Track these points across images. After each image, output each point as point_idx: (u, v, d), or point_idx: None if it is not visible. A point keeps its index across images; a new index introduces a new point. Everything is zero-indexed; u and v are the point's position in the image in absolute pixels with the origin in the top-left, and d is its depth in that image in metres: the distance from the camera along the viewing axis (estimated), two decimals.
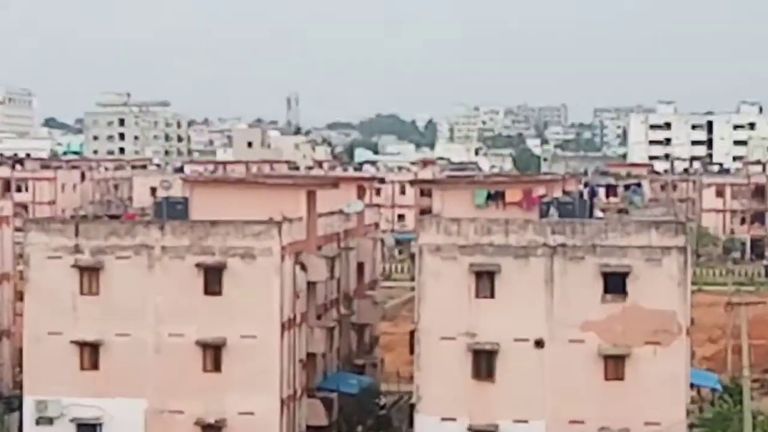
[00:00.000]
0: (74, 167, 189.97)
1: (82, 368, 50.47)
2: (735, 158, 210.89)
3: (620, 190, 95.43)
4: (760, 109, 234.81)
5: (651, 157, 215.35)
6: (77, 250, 50.82)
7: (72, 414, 49.95)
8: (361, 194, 79.83)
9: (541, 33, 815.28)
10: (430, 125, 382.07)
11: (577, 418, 48.40)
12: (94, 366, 50.69)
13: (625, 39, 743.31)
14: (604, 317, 48.99)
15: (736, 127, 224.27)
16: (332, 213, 64.60)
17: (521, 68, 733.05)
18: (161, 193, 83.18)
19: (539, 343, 48.50)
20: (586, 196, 68.39)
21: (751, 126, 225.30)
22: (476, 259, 49.47)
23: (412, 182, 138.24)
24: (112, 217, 74.14)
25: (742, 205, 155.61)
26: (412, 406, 52.62)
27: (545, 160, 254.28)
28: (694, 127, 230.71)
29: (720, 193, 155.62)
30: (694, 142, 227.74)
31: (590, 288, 48.74)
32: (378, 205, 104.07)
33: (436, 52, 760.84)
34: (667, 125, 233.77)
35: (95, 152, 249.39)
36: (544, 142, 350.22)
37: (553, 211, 55.11)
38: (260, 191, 61.06)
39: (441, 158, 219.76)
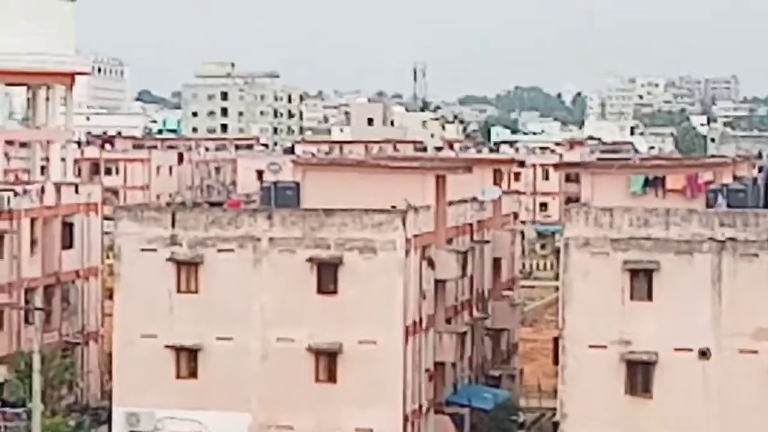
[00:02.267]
0: (171, 147, 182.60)
1: (179, 377, 48.58)
2: None
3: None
4: None
5: None
6: (174, 241, 48.69)
7: (167, 429, 47.82)
8: (498, 179, 75.59)
9: None
10: (579, 100, 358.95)
11: None
12: (192, 374, 48.91)
13: None
14: None
15: None
16: (464, 201, 61.22)
17: (685, 34, 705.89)
18: (269, 177, 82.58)
19: (705, 354, 43.63)
20: (760, 183, 61.23)
21: None
22: (631, 256, 44.74)
23: (556, 166, 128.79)
24: (214, 204, 69.39)
25: None
26: (555, 425, 48.43)
27: (713, 140, 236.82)
28: None
29: None
30: None
31: (766, 290, 43.74)
32: (518, 192, 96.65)
33: (586, 15, 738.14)
34: None
35: (194, 130, 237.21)
36: (712, 119, 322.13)
37: (721, 200, 50.47)
38: (382, 176, 59.58)
39: (591, 138, 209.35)
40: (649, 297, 44.87)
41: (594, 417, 46.09)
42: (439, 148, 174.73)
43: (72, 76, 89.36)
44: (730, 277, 44.25)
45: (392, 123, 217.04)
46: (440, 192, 56.18)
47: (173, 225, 49.67)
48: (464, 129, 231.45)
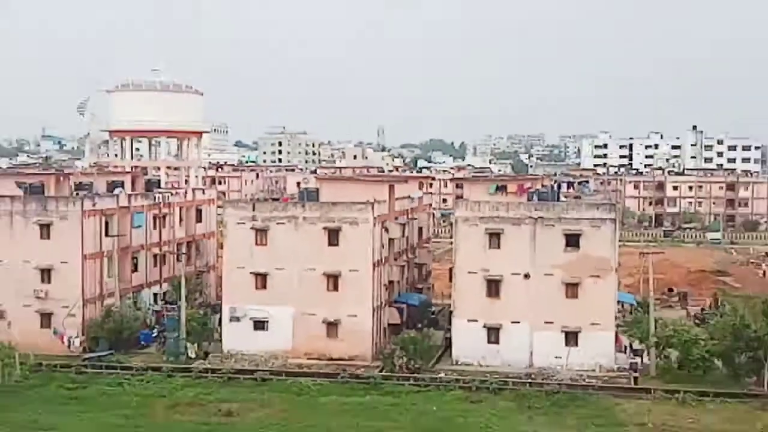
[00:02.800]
0: (252, 170, 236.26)
1: (256, 288, 67.32)
2: (645, 166, 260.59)
3: (576, 185, 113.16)
4: (661, 136, 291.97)
5: (595, 165, 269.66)
6: (254, 219, 67.43)
7: (250, 315, 66.73)
8: (420, 187, 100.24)
9: (531, 83, 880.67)
10: (462, 145, 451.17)
11: (548, 321, 63.76)
12: (264, 287, 67.64)
13: (577, 91, 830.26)
14: (566, 261, 63.71)
15: (646, 146, 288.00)
16: (404, 197, 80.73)
17: (519, 110, 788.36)
18: (303, 186, 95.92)
19: (527, 276, 64.10)
20: (555, 189, 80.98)
21: (655, 146, 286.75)
22: (489, 226, 64.80)
23: (451, 179, 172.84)
24: (275, 199, 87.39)
25: (649, 194, 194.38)
26: (450, 313, 67.00)
27: (531, 167, 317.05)
28: (621, 146, 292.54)
29: (636, 187, 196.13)
30: (621, 156, 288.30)
31: (558, 244, 63.87)
32: (431, 193, 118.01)
33: (453, 97, 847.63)
34: (605, 146, 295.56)
35: (264, 161, 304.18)
36: (530, 156, 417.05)
37: (535, 197, 69.78)
38: (362, 185, 78.10)
39: (469, 165, 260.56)
40: (498, 247, 64.87)
41: (470, 309, 65.17)
42: (390, 171, 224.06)
43: (201, 133, 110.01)
44: (539, 237, 64.29)
45: (366, 157, 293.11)
46: (391, 193, 74.29)
47: (253, 209, 68.83)
48: (404, 161, 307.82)
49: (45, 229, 68.74)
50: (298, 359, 64.78)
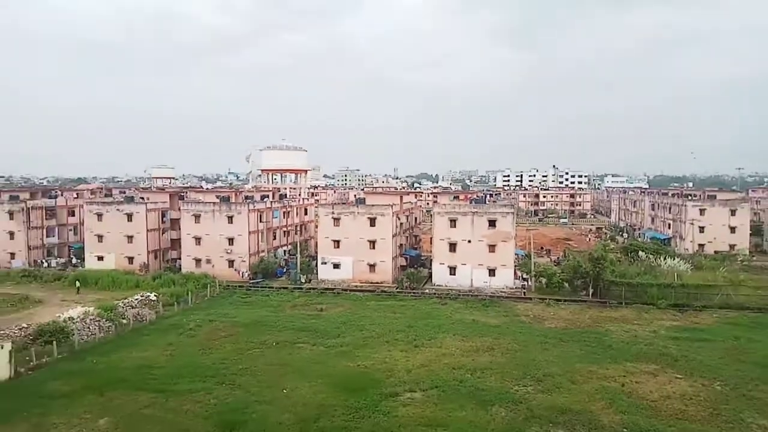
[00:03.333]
0: (332, 189, 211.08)
1: (334, 248, 67.38)
2: (529, 185, 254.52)
3: (494, 195, 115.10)
4: (537, 170, 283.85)
5: (503, 185, 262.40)
6: (333, 213, 68.24)
7: (332, 261, 67.11)
8: (415, 197, 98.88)
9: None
10: (437, 176, 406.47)
11: (480, 263, 63.57)
12: (338, 247, 67.43)
13: (499, 143, 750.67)
14: (489, 234, 63.70)
15: (530, 176, 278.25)
16: (408, 202, 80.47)
17: (465, 155, 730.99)
18: (357, 197, 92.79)
19: (469, 241, 64.28)
20: (483, 197, 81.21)
21: (534, 175, 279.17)
22: (450, 216, 65.22)
23: (431, 193, 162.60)
24: (343, 203, 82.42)
25: (530, 200, 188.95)
26: (431, 260, 66.95)
27: (470, 187, 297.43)
28: (517, 176, 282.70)
29: (524, 196, 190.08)
30: (517, 181, 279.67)
31: (485, 225, 63.98)
32: (421, 200, 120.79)
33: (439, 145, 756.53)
34: (508, 176, 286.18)
35: (338, 184, 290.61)
36: (471, 180, 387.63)
37: (474, 202, 71.47)
38: (386, 196, 78.95)
39: (440, 186, 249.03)
40: (455, 227, 64.67)
41: (441, 257, 64.91)
42: (401, 189, 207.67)
43: (306, 171, 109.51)
44: (475, 221, 64.18)
45: (388, 182, 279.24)
46: (401, 200, 73.86)
47: (333, 208, 68.78)
48: (407, 184, 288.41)
49: (230, 219, 70.17)
50: (355, 284, 64.67)
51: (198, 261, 69.36)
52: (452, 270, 64.27)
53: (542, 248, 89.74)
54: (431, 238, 67.65)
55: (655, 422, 25.29)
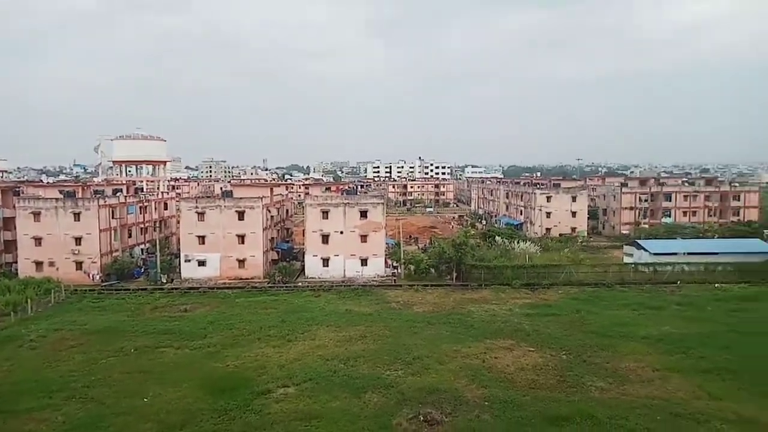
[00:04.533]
0: (195, 182, 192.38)
1: (199, 244, 63.99)
2: (398, 176, 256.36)
3: (365, 186, 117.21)
4: (404, 162, 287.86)
5: (374, 176, 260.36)
6: (197, 207, 63.33)
7: (196, 258, 63.89)
8: (287, 189, 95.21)
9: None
10: (308, 167, 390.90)
11: (353, 254, 64.06)
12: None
13: (366, 136, 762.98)
14: (360, 224, 64.35)
15: (398, 167, 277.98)
16: (279, 194, 77.84)
17: (337, 145, 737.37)
18: (223, 189, 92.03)
19: (341, 232, 64.32)
20: (355, 189, 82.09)
21: (402, 167, 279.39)
22: (323, 207, 64.97)
23: (303, 185, 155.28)
24: (208, 197, 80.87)
25: (400, 190, 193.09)
26: (303, 253, 66.32)
27: (342, 178, 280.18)
28: (386, 167, 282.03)
29: (393, 187, 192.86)
30: (386, 172, 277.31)
31: (356, 215, 64.63)
32: (293, 192, 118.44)
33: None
34: (378, 167, 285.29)
35: (202, 176, 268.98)
36: (342, 172, 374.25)
37: (346, 194, 71.13)
38: (256, 188, 76.38)
39: (311, 177, 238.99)
40: (328, 218, 64.59)
41: (314, 249, 64.42)
42: (271, 181, 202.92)
43: (165, 162, 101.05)
44: (347, 212, 64.55)
45: (257, 174, 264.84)
46: (271, 192, 72.72)
47: (197, 202, 64.31)
48: (278, 176, 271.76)
49: (77, 216, 64.59)
50: (223, 281, 62.55)
51: (39, 264, 62.98)
52: (325, 261, 63.92)
53: (410, 237, 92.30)
54: (303, 231, 66.80)
55: (512, 393, 27.54)
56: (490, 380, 29.55)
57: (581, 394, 27.51)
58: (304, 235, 66.90)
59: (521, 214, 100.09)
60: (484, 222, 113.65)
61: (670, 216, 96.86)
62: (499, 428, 23.44)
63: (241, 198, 65.57)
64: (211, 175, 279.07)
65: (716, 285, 55.64)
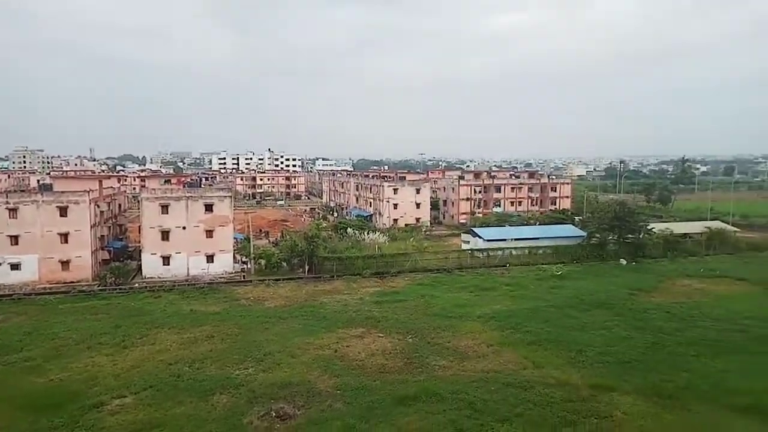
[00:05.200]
0: (5, 174, 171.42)
1: (11, 245, 55.60)
2: (246, 168, 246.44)
3: (210, 179, 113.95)
4: (253, 153, 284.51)
5: (219, 168, 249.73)
6: (7, 202, 56.06)
7: (8, 261, 56.08)
8: (119, 181, 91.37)
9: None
10: (143, 158, 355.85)
11: (197, 250, 60.77)
12: (17, 243, 56.61)
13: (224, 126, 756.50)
14: (205, 218, 61.60)
15: (246, 159, 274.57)
16: (109, 187, 72.80)
17: (178, 134, 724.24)
18: (42, 182, 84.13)
19: (184, 228, 60.92)
20: (198, 181, 79.02)
21: (251, 159, 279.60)
22: (162, 201, 60.87)
23: (139, 177, 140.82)
24: (22, 191, 74.27)
25: (248, 183, 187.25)
26: (140, 252, 61.74)
27: (184, 170, 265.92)
28: (233, 159, 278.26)
29: (242, 180, 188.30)
30: (234, 164, 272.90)
31: (201, 209, 61.59)
32: (126, 185, 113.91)
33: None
34: (224, 159, 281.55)
35: (13, 168, 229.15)
36: (184, 163, 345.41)
37: (189, 186, 68.26)
38: (82, 181, 68.77)
39: (148, 169, 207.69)
40: (168, 213, 60.38)
41: (152, 247, 60.01)
42: (100, 173, 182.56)
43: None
44: (190, 206, 60.13)
45: (83, 165, 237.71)
46: (100, 185, 65.38)
47: (7, 197, 56.74)
48: (108, 167, 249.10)
49: None
50: (42, 286, 56.13)
51: None
52: (166, 260, 60.42)
53: (261, 230, 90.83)
54: (140, 227, 62.93)
55: (363, 379, 28.52)
56: (342, 369, 30.25)
57: (426, 373, 29.38)
58: (140, 232, 62.96)
59: (371, 206, 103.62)
60: (335, 214, 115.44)
61: (500, 206, 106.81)
62: (350, 415, 24.09)
63: (63, 192, 59.21)
64: (25, 166, 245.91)
65: (538, 266, 62.26)
